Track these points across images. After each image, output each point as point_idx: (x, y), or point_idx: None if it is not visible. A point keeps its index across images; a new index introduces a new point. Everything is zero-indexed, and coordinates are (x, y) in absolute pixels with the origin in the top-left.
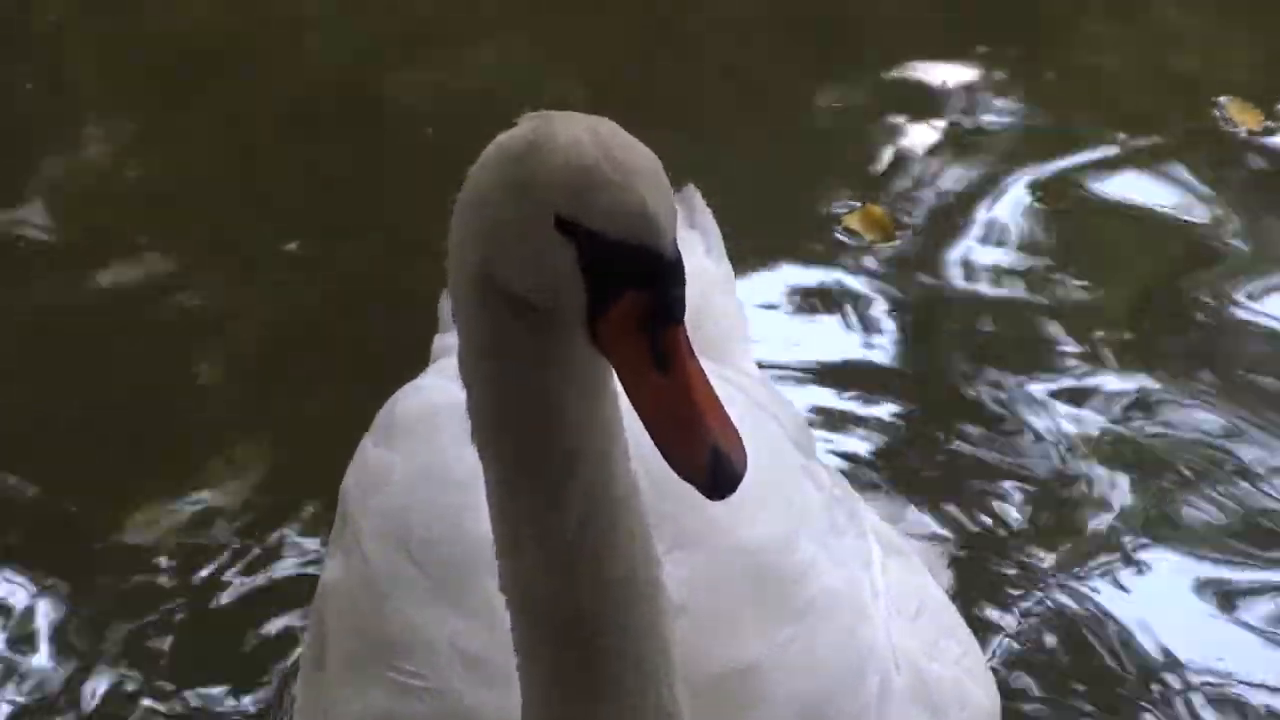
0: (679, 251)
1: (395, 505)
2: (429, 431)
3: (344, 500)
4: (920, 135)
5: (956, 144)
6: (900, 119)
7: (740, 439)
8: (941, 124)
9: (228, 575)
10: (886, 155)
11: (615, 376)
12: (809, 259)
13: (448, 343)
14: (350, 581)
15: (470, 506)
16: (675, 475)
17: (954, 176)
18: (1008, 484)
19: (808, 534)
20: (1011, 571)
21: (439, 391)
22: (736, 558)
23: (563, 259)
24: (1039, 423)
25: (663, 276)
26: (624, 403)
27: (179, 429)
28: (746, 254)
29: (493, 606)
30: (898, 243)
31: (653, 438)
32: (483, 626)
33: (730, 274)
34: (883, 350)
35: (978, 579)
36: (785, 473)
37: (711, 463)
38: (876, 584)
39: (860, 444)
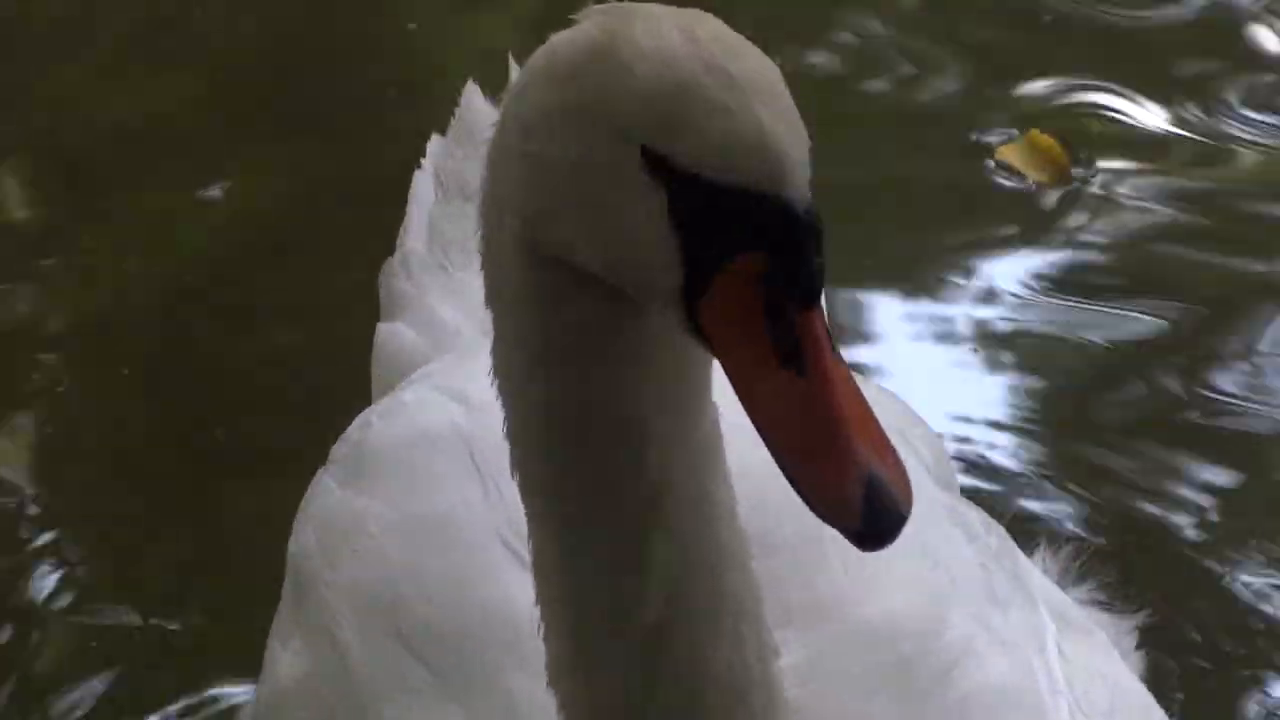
0: (813, 201)
1: (379, 572)
2: (419, 467)
3: (295, 565)
4: (1108, 34)
5: (1156, 48)
6: (1080, 9)
7: (902, 465)
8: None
9: None
10: (1058, 63)
11: (720, 377)
12: (949, 206)
13: (400, 335)
14: (319, 679)
15: (483, 570)
16: (779, 521)
17: (1154, 91)
18: (1232, 533)
19: (961, 605)
20: (1234, 653)
21: (429, 410)
22: (866, 640)
23: (648, 213)
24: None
25: (792, 236)
26: (727, 418)
27: None
28: (858, 200)
29: (520, 708)
30: (1074, 184)
31: (779, 462)
32: None
33: None
34: (1054, 336)
35: (1181, 666)
36: (927, 519)
37: (865, 497)
38: (1054, 673)
39: (1014, 476)
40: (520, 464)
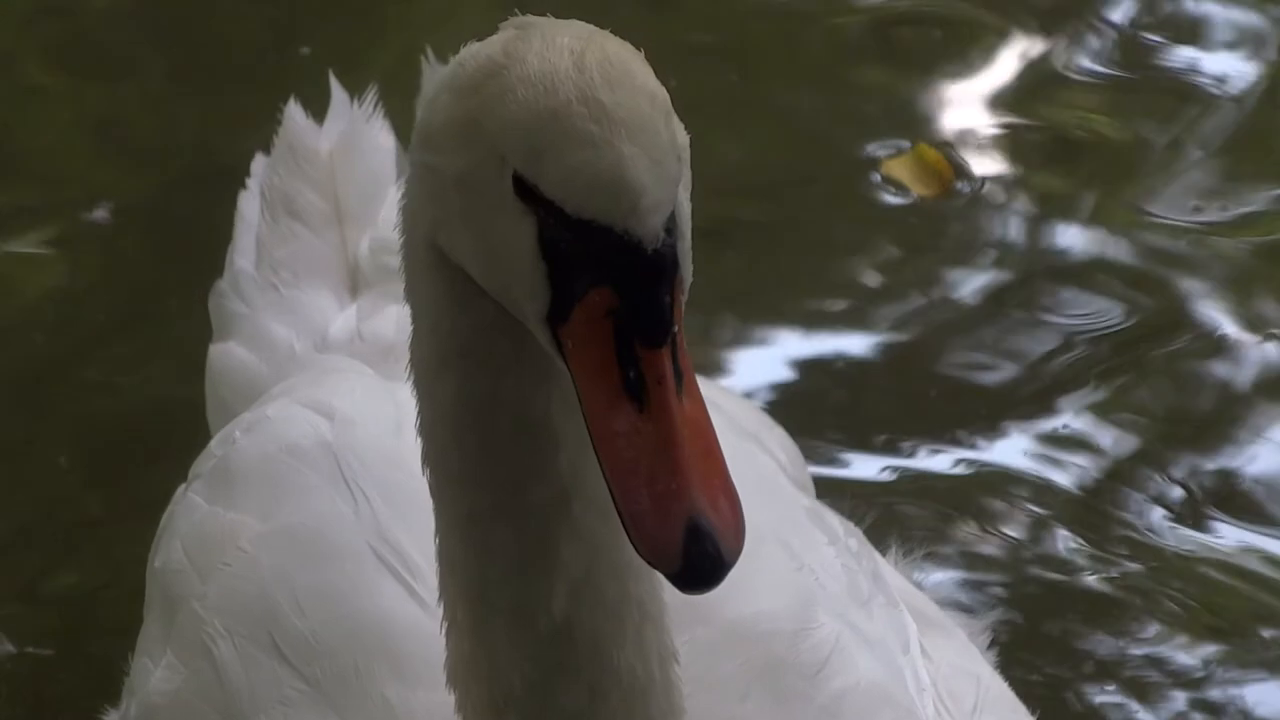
0: (670, 240)
1: (252, 585)
2: (287, 480)
3: (163, 581)
4: (994, 53)
5: (1043, 67)
6: (971, 28)
7: (736, 512)
8: (1027, 42)
9: None
10: (947, 80)
11: None
12: (834, 218)
13: (233, 354)
14: (193, 694)
15: (356, 581)
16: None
17: (1038, 109)
18: (1078, 533)
19: (827, 605)
20: (1086, 646)
21: (294, 424)
22: (737, 641)
23: (519, 237)
24: (1130, 458)
25: (638, 274)
26: None
27: None
28: (741, 210)
29: (398, 716)
30: (957, 199)
31: (612, 495)
32: None
33: None
34: (932, 346)
35: (1032, 663)
36: (788, 522)
37: (685, 542)
38: (919, 672)
39: (881, 483)
40: (431, 460)
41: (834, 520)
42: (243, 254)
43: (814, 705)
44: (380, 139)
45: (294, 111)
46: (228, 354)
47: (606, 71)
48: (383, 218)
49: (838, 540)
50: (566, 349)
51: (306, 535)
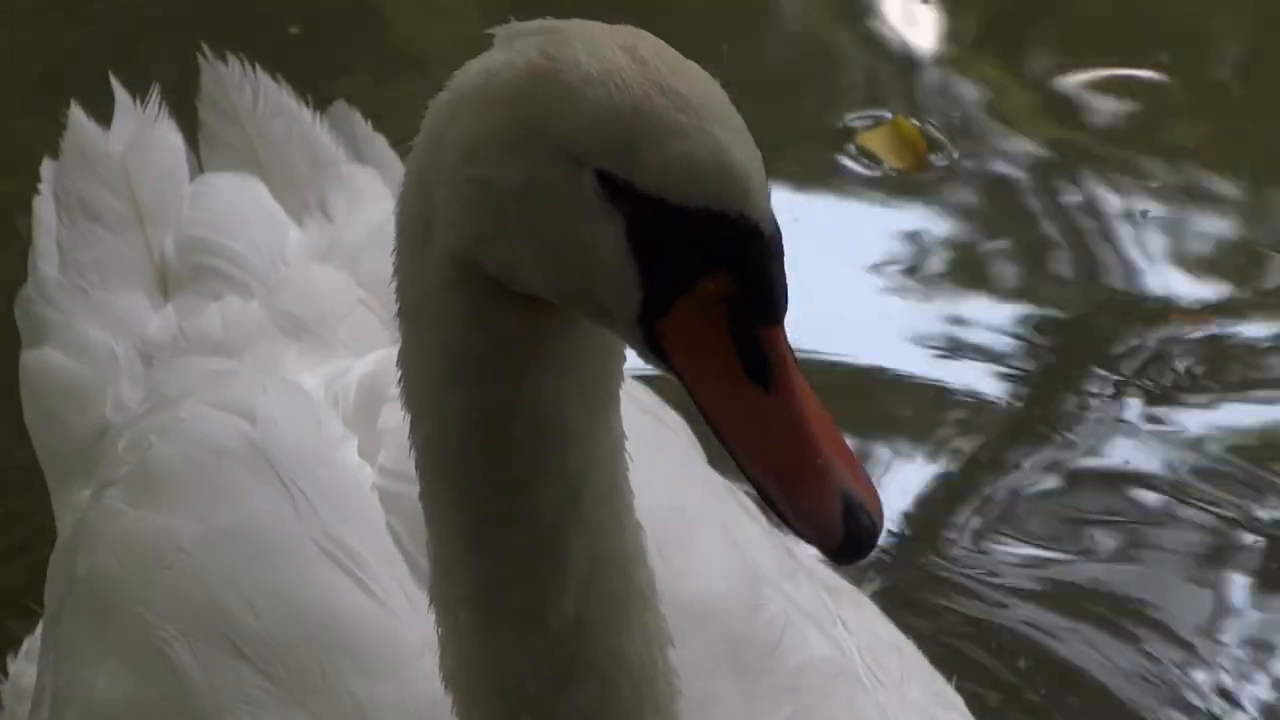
0: (776, 218)
1: (199, 588)
2: (219, 482)
3: (91, 589)
4: (970, 26)
5: (1017, 38)
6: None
7: (870, 480)
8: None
9: None
10: (925, 51)
11: (617, 381)
12: (806, 189)
13: (48, 359)
14: (151, 700)
15: (305, 577)
16: None
17: (1012, 85)
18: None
19: (767, 581)
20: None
21: (212, 425)
22: (694, 621)
23: (604, 238)
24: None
25: (760, 256)
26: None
27: None
28: None
29: (366, 708)
30: (931, 172)
31: (756, 482)
32: None
33: None
34: (902, 325)
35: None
36: (714, 499)
37: (844, 515)
38: (846, 641)
39: None
40: (429, 471)
41: (745, 497)
42: (45, 259)
43: (776, 681)
44: (169, 138)
45: (78, 115)
46: (44, 360)
47: (667, 64)
48: (186, 217)
49: (758, 516)
50: (667, 342)
51: (248, 536)
